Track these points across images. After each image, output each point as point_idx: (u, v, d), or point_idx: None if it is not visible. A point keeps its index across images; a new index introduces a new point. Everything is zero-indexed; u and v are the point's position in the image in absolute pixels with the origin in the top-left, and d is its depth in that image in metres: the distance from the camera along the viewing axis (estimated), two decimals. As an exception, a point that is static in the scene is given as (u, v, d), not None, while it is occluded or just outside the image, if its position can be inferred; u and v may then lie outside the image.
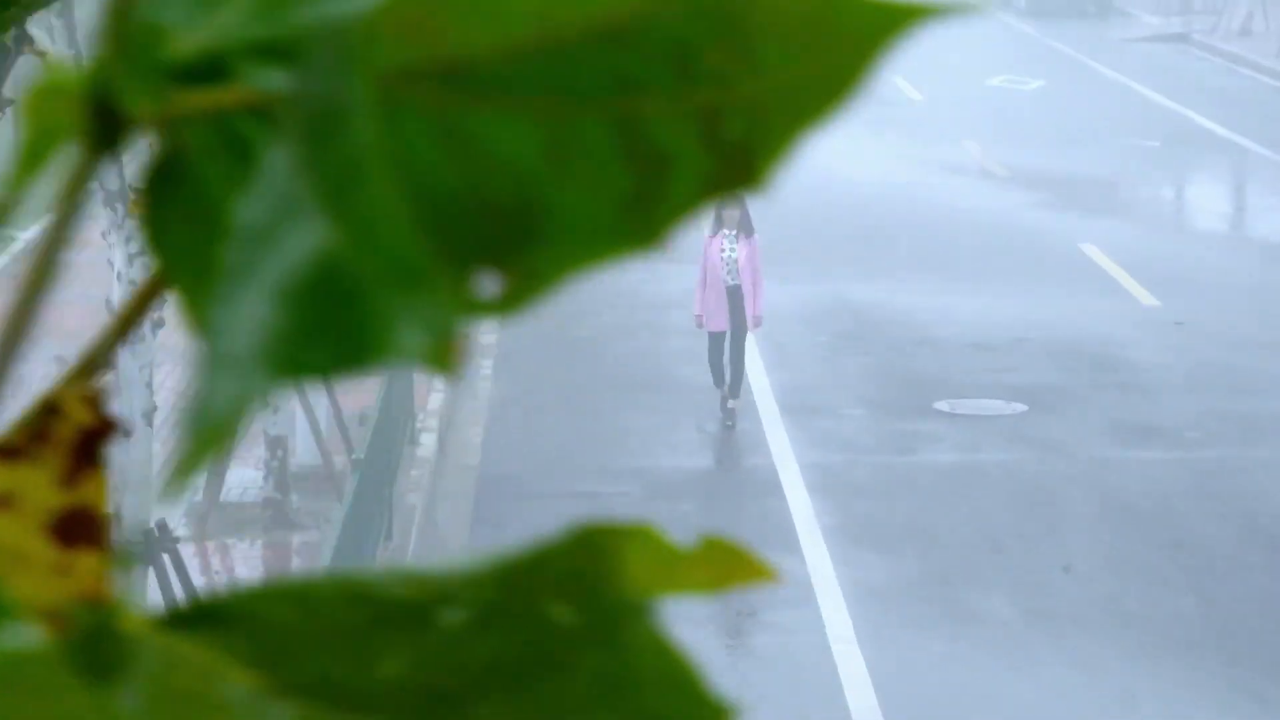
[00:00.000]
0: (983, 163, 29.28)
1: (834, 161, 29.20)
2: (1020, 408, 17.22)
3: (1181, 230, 25.02)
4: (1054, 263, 22.76)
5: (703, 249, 16.66)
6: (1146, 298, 21.10)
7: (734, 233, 16.53)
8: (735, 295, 16.51)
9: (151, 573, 9.00)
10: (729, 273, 16.50)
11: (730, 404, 16.58)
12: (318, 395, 14.18)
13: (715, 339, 16.69)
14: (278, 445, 13.44)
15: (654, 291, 21.61)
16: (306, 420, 13.84)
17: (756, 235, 16.62)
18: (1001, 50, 42.04)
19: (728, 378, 16.64)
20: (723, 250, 16.49)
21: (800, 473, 15.49)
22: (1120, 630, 12.58)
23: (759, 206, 24.41)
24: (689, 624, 12.70)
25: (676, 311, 20.68)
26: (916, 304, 20.79)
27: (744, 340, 16.72)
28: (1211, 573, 13.52)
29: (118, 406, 8.99)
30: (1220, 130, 32.10)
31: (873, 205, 25.96)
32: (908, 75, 38.36)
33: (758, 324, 16.70)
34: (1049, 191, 27.19)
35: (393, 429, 13.17)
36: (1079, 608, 12.93)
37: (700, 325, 16.81)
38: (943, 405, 17.29)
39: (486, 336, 19.71)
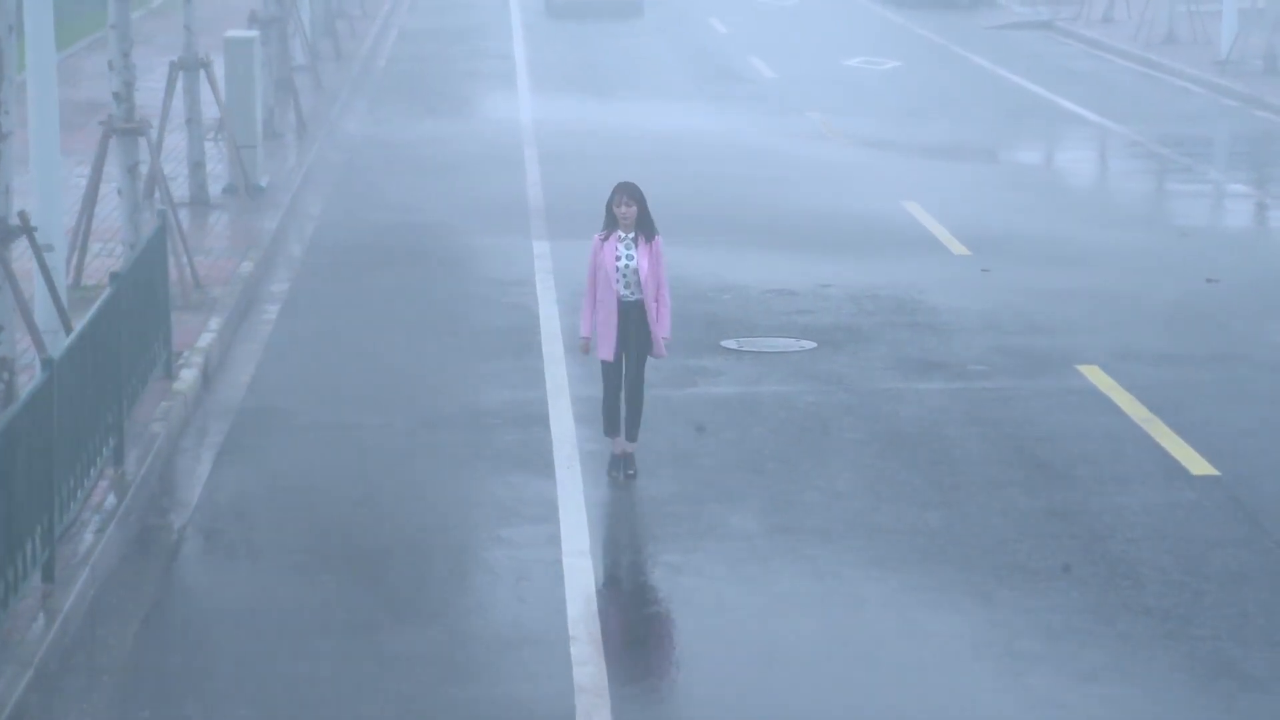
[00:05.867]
0: (822, 130, 29.06)
1: (675, 129, 28.91)
2: (810, 345, 16.94)
3: (1008, 191, 24.84)
4: (874, 218, 22.53)
5: (591, 254, 13.28)
6: (959, 249, 20.88)
7: (631, 235, 13.15)
8: (632, 313, 13.18)
9: None
10: (626, 285, 13.14)
11: (627, 449, 13.38)
12: (50, 319, 13.73)
13: (608, 370, 13.32)
14: (3, 367, 12.97)
15: (462, 245, 21.25)
16: (34, 344, 13.36)
17: (659, 237, 13.30)
18: (865, 35, 41.94)
19: (624, 419, 13.34)
20: (618, 258, 13.13)
21: (572, 405, 15.14)
22: (863, 542, 12.29)
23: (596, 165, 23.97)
24: (426, 530, 12.33)
25: (482, 264, 20.33)
26: (730, 257, 20.51)
27: (643, 370, 13.40)
28: (965, 489, 13.24)
29: None
30: (1066, 104, 32.00)
31: (706, 167, 25.67)
32: (764, 56, 38.17)
33: (661, 350, 13.39)
34: (881, 156, 26.98)
35: (110, 348, 12.69)
36: (827, 523, 12.62)
37: (586, 351, 13.64)
38: (730, 343, 16.98)
39: (279, 285, 19.28)
